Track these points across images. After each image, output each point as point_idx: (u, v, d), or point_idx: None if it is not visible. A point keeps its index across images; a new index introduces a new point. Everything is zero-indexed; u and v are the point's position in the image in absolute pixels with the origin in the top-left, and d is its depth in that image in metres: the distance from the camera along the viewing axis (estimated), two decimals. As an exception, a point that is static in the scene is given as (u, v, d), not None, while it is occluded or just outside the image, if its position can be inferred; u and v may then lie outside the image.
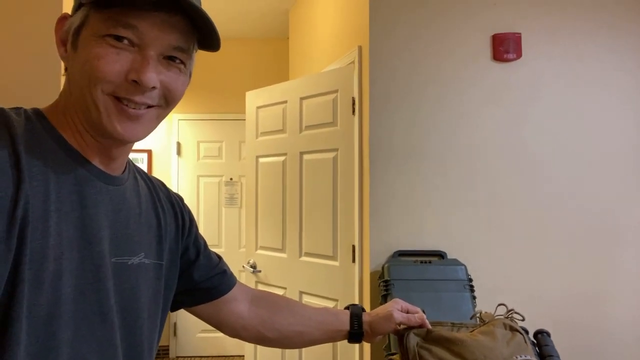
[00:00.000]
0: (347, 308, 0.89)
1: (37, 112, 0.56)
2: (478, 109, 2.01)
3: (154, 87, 0.55)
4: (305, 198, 2.28)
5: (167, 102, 0.58)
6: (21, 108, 0.56)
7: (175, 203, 0.73)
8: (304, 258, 2.28)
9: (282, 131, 2.42)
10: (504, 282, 1.98)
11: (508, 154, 2.01)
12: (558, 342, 2.00)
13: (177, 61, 0.57)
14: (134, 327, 0.60)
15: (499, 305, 0.92)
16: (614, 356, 2.00)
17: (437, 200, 2.00)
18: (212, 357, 3.61)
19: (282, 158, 2.41)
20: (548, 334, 0.96)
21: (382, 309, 0.90)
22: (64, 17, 0.56)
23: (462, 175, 2.00)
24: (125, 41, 0.53)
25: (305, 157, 2.29)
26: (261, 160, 2.53)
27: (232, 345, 3.57)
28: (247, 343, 2.56)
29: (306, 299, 2.26)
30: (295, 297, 2.31)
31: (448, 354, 0.79)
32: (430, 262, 1.91)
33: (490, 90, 2.01)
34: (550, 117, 2.03)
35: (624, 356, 2.00)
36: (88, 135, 0.56)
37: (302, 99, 2.28)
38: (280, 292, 2.39)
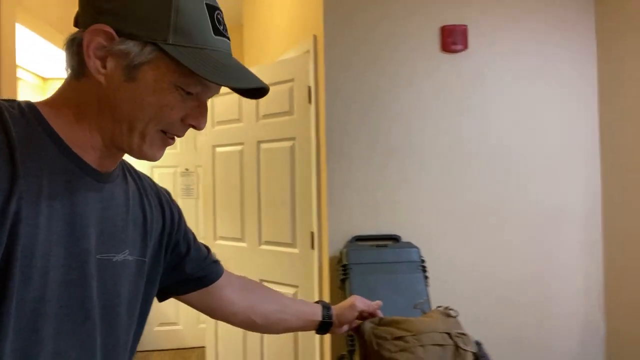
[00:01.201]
0: (316, 303, 0.96)
1: (30, 106, 0.55)
2: (429, 98, 2.10)
3: None
4: (263, 187, 2.30)
5: None
6: (15, 101, 0.55)
7: (163, 199, 0.74)
8: (263, 246, 2.30)
9: (238, 120, 2.40)
10: (454, 263, 2.10)
11: (458, 142, 2.11)
12: (503, 319, 2.16)
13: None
14: (113, 323, 0.61)
15: (437, 307, 1.10)
16: (552, 331, 2.18)
17: (392, 186, 2.07)
18: (172, 349, 3.57)
19: (239, 147, 2.40)
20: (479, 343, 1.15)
21: (345, 301, 1.00)
22: (104, 32, 0.53)
23: (415, 162, 2.08)
24: (193, 94, 0.58)
25: (263, 146, 2.30)
26: (218, 150, 2.51)
27: (191, 338, 3.55)
28: (207, 335, 2.58)
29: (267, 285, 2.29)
30: (256, 285, 2.33)
31: (396, 330, 0.97)
32: (386, 245, 1.99)
33: (440, 81, 2.10)
34: (497, 107, 2.15)
35: (561, 331, 2.19)
36: (101, 145, 0.58)
37: (258, 88, 2.27)
38: (240, 281, 2.41)
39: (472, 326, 2.08)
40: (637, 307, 2.08)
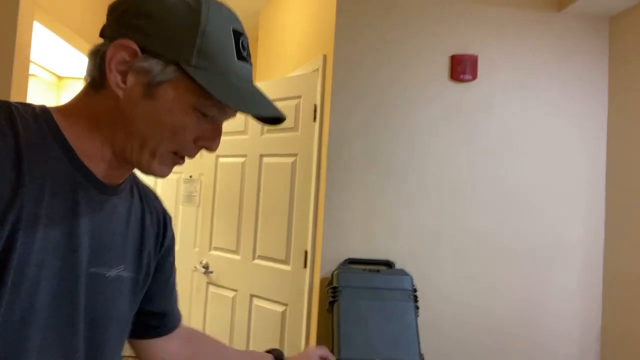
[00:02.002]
0: (269, 351, 0.90)
1: (45, 111, 0.55)
2: (434, 125, 2.08)
3: None
4: (262, 201, 2.29)
5: None
6: (30, 105, 0.55)
7: (167, 220, 0.73)
8: (257, 261, 2.28)
9: (243, 132, 2.41)
10: (446, 293, 2.06)
11: (460, 172, 2.09)
12: (495, 351, 2.10)
13: None
14: (101, 338, 0.60)
15: None
16: (546, 368, 2.11)
17: (390, 211, 2.05)
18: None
19: (242, 159, 2.40)
20: None
21: (301, 352, 0.96)
22: (129, 48, 0.54)
23: (414, 188, 2.06)
24: (209, 117, 0.58)
25: (265, 160, 2.30)
26: (221, 160, 2.52)
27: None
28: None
29: (257, 303, 2.26)
30: (246, 300, 2.30)
31: None
32: (378, 271, 1.96)
33: (446, 109, 2.09)
34: (500, 137, 2.13)
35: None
36: (111, 159, 0.58)
37: (265, 102, 2.28)
38: (231, 294, 2.38)
39: (459, 356, 2.04)
40: (634, 352, 2.01)
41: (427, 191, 2.07)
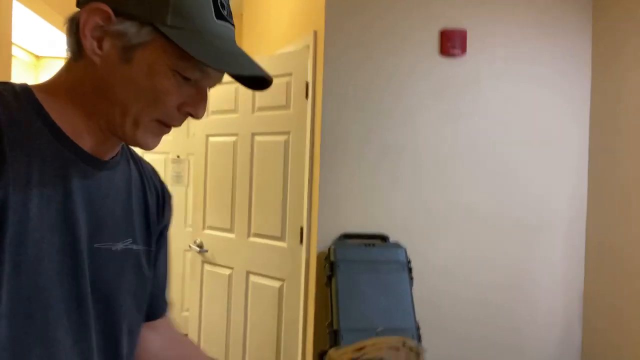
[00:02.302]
0: None
1: (25, 89, 0.54)
2: (425, 100, 2.11)
3: None
4: (255, 179, 2.30)
5: None
6: (9, 83, 0.53)
7: (161, 196, 0.71)
8: (252, 238, 2.31)
9: (234, 111, 2.40)
10: (438, 264, 2.13)
11: (451, 145, 2.13)
12: (483, 322, 2.20)
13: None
14: (115, 313, 0.59)
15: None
16: (529, 336, 2.22)
17: (383, 185, 2.09)
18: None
19: (233, 138, 2.40)
20: None
21: None
22: (101, 10, 0.52)
23: (407, 162, 2.10)
24: (191, 81, 0.55)
25: (257, 138, 2.30)
26: (211, 139, 2.50)
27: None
28: (190, 323, 2.57)
29: (253, 280, 2.30)
30: (242, 278, 2.34)
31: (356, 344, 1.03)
32: (373, 244, 2.01)
33: (437, 83, 2.11)
34: (491, 111, 2.17)
35: (538, 338, 2.23)
36: (96, 131, 0.56)
37: (255, 80, 2.26)
38: (226, 272, 2.41)
39: (453, 326, 2.13)
40: (615, 318, 2.13)
41: (419, 166, 2.11)
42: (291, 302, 2.15)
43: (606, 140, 2.20)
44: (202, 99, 0.56)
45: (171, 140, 3.42)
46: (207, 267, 2.53)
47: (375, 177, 2.08)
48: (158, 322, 0.75)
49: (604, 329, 2.18)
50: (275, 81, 2.21)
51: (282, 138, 2.21)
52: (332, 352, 1.09)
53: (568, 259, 2.26)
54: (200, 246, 2.52)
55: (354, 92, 2.05)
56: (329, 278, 1.92)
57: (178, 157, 3.40)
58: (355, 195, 2.07)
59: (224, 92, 2.40)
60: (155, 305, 0.73)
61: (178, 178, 3.36)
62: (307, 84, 2.11)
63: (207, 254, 2.50)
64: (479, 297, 2.16)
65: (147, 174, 0.69)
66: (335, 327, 1.81)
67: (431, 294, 2.09)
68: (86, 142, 0.56)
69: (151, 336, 0.73)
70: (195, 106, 0.56)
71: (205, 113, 2.46)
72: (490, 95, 2.17)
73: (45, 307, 0.50)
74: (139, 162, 0.69)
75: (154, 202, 0.69)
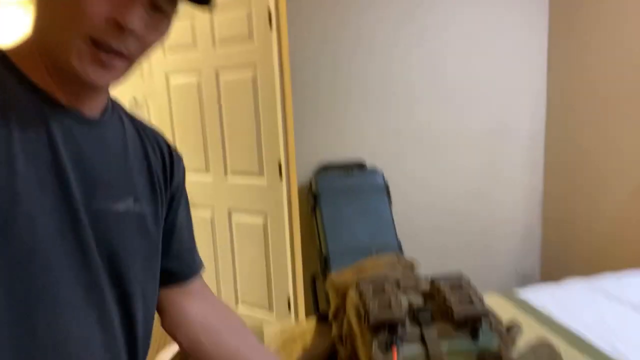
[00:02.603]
0: None
1: None
2: (391, 23, 2.07)
3: (133, 31, 0.50)
4: (225, 118, 2.24)
5: (141, 54, 0.54)
6: None
7: (168, 154, 0.68)
8: (230, 177, 2.31)
9: (193, 46, 2.26)
10: (414, 185, 2.24)
11: (420, 71, 2.15)
12: (454, 228, 2.38)
13: (163, 13, 0.52)
14: (123, 273, 0.58)
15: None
16: (495, 237, 2.44)
17: (356, 114, 2.11)
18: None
19: (196, 79, 2.29)
20: None
21: None
22: None
23: (378, 89, 2.11)
24: None
25: (222, 77, 2.20)
26: (173, 81, 2.38)
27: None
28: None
29: (236, 219, 2.34)
30: (225, 217, 2.37)
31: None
32: (352, 172, 2.07)
33: (402, 6, 2.06)
34: (451, 32, 2.17)
35: (503, 238, 2.46)
36: (58, 74, 0.52)
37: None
38: (208, 214, 2.43)
39: (428, 234, 2.30)
40: (571, 217, 2.37)
41: (388, 91, 2.13)
42: (277, 235, 2.22)
43: (565, 48, 2.27)
44: (130, 4, 0.49)
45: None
46: (186, 209, 2.53)
47: (347, 107, 2.09)
48: (192, 286, 0.73)
49: (561, 224, 2.43)
50: (233, 9, 2.08)
51: (248, 73, 2.13)
52: (333, 277, 1.15)
53: (529, 163, 2.43)
54: (177, 190, 2.50)
55: (319, 17, 1.97)
56: (313, 209, 1.99)
57: (135, 99, 3.22)
58: (329, 126, 2.08)
59: (179, 26, 2.24)
60: (183, 265, 0.71)
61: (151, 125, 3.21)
62: (269, 13, 2.00)
63: (185, 197, 2.49)
64: (450, 207, 2.32)
65: (148, 133, 0.67)
66: (324, 252, 1.91)
67: (407, 211, 2.22)
68: (63, 96, 0.53)
69: (189, 302, 0.71)
70: (121, 11, 0.48)
71: (162, 51, 2.31)
72: (452, 14, 2.15)
73: (45, 266, 0.49)
74: (136, 121, 0.66)
75: (159, 162, 0.66)
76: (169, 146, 0.70)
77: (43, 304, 0.48)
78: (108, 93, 0.61)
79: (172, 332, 0.71)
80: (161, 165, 0.67)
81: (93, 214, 0.54)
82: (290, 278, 2.21)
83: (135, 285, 0.60)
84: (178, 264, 0.70)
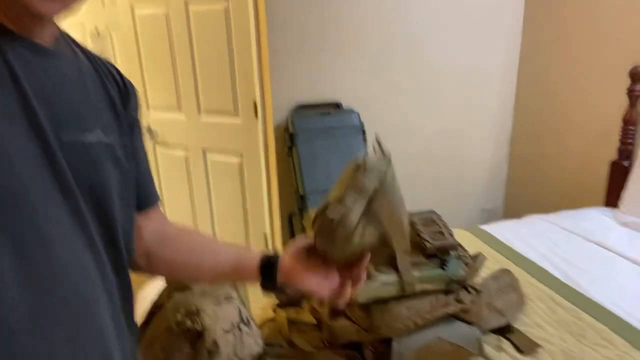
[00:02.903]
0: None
1: None
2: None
3: None
4: (197, 54, 2.16)
5: None
6: None
7: (122, 84, 0.67)
8: (203, 116, 2.26)
9: (158, -25, 2.11)
10: (389, 124, 2.27)
11: (395, 13, 2.10)
12: (428, 167, 2.45)
13: None
14: (102, 203, 0.58)
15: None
16: (465, 174, 2.54)
17: (331, 55, 2.07)
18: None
19: (163, 9, 2.16)
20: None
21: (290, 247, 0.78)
22: None
23: (355, 28, 2.06)
24: None
25: (192, 7, 2.08)
26: (138, 11, 2.24)
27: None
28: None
29: (211, 158, 2.32)
30: (199, 157, 2.35)
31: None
32: (328, 112, 2.07)
33: None
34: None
35: (471, 174, 2.56)
36: (6, 4, 0.50)
37: None
38: (182, 153, 2.40)
39: (400, 173, 2.37)
40: (536, 157, 2.48)
41: (366, 31, 2.08)
42: (253, 175, 2.24)
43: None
44: None
45: (83, 9, 3.00)
46: (159, 149, 2.49)
47: (323, 45, 2.04)
48: (150, 212, 0.74)
49: (526, 164, 2.54)
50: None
51: (220, 6, 2.02)
52: (311, 214, 1.18)
53: (500, 105, 2.49)
54: (149, 129, 2.44)
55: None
56: (290, 148, 2.00)
57: (97, 29, 3.02)
58: (305, 65, 2.04)
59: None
60: (144, 195, 0.73)
61: (102, 55, 3.04)
62: (242, -61, 1.88)
63: (157, 137, 2.44)
64: (422, 147, 2.38)
65: (100, 63, 0.65)
66: (301, 192, 1.95)
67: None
68: (14, 27, 0.51)
69: (147, 223, 0.72)
70: None
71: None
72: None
73: (29, 200, 0.49)
74: (88, 53, 0.64)
75: (116, 92, 0.65)
76: (121, 75, 0.69)
77: (34, 235, 0.49)
78: (57, 24, 0.58)
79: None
80: (119, 95, 0.66)
81: (65, 147, 0.53)
82: (267, 216, 2.26)
83: (115, 213, 0.61)
84: (141, 194, 0.71)
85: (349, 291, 0.68)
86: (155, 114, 2.41)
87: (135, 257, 0.72)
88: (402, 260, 1.00)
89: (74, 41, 0.63)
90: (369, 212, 0.64)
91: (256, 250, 0.75)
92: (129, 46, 2.33)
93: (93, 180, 0.57)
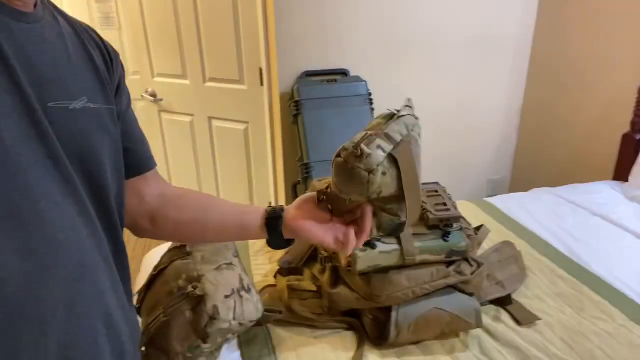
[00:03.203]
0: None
1: None
2: None
3: None
4: (202, 20, 2.11)
5: None
6: None
7: (105, 50, 0.67)
8: (208, 83, 2.24)
9: None
10: (397, 94, 2.22)
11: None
12: (438, 137, 2.42)
13: None
14: (92, 168, 0.58)
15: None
16: (474, 144, 2.50)
17: (340, 19, 2.01)
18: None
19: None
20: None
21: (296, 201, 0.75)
22: None
23: (365, -10, 1.99)
24: None
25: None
26: (142, -28, 2.18)
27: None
28: (158, 170, 2.60)
29: (216, 124, 2.31)
30: (205, 124, 2.34)
31: None
32: (335, 80, 2.03)
33: None
34: None
35: (481, 144, 2.52)
36: None
37: None
38: (187, 119, 2.39)
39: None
40: (546, 129, 2.43)
41: (376, -8, 2.02)
42: (258, 142, 2.23)
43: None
44: None
45: (87, -27, 2.93)
46: (164, 115, 2.48)
47: (330, 11, 1.98)
48: (148, 175, 0.74)
49: (536, 136, 2.50)
50: None
51: (226, -33, 1.96)
52: (315, 183, 1.19)
53: (513, 72, 2.42)
54: (154, 95, 2.42)
55: None
56: (295, 117, 1.98)
57: (100, -6, 2.96)
58: (312, 32, 1.99)
59: None
60: (142, 159, 0.73)
61: (107, 20, 2.99)
62: None
63: (163, 103, 2.43)
64: (431, 116, 2.34)
65: (82, 29, 0.64)
66: (305, 160, 1.94)
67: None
68: None
69: (147, 185, 0.73)
70: None
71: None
72: None
73: (19, 166, 0.48)
74: (69, 18, 0.63)
75: (100, 59, 0.65)
76: (102, 40, 0.68)
77: (25, 200, 0.49)
78: None
79: (133, 218, 0.73)
80: (103, 61, 0.65)
81: (50, 114, 0.53)
82: (272, 184, 2.27)
83: (105, 179, 0.61)
84: (133, 157, 0.71)
85: (354, 241, 0.67)
86: (160, 81, 2.39)
87: (140, 221, 0.73)
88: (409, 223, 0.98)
89: (54, 7, 0.61)
90: (393, 157, 0.63)
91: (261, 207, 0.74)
92: (134, 8, 2.29)
93: (81, 147, 0.57)
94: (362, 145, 0.62)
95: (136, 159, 0.71)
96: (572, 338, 1.07)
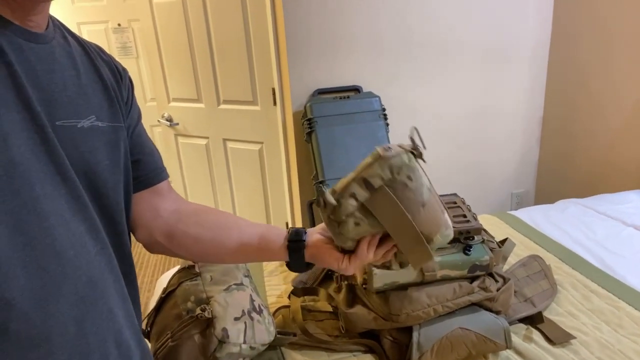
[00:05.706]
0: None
1: None
2: None
3: None
4: (215, 43, 2.14)
5: None
6: None
7: (116, 69, 0.67)
8: (222, 106, 2.25)
9: (174, -37, 2.10)
10: (412, 108, 2.19)
11: (418, -20, 2.01)
12: (453, 151, 2.36)
13: None
14: (100, 186, 0.58)
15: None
16: (493, 164, 2.43)
17: (352, 36, 2.00)
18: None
19: (180, -3, 2.15)
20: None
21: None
22: None
23: (375, 11, 1.99)
24: None
25: (208, -5, 2.06)
26: (156, 0, 2.23)
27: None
28: (173, 177, 2.63)
29: (231, 146, 2.32)
30: (220, 145, 2.34)
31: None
32: (348, 97, 2.01)
33: None
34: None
35: (500, 164, 2.45)
36: None
37: None
38: (203, 142, 2.40)
39: (426, 158, 2.30)
40: (568, 141, 2.35)
41: (386, 14, 2.01)
42: (273, 161, 2.21)
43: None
44: None
45: (105, 5, 3.04)
46: (181, 139, 2.50)
47: (343, 28, 1.98)
48: (161, 187, 0.72)
49: (559, 147, 2.41)
50: None
51: (236, -9, 1.99)
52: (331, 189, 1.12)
53: (530, 85, 2.36)
54: (170, 120, 2.45)
55: None
56: (309, 135, 1.96)
57: (119, 25, 3.06)
58: (325, 49, 1.99)
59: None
60: (154, 171, 0.72)
61: (125, 50, 3.08)
62: None
63: (179, 127, 2.45)
64: (449, 130, 2.29)
65: (92, 49, 0.65)
66: (320, 178, 1.91)
67: (405, 135, 2.20)
68: (9, 14, 0.51)
69: (161, 199, 0.71)
70: None
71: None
72: None
73: (27, 182, 0.48)
74: (79, 39, 0.64)
75: (110, 75, 0.65)
76: (113, 60, 0.68)
77: (33, 217, 0.49)
78: (48, 11, 0.57)
79: (149, 233, 0.71)
80: (112, 76, 0.66)
81: (59, 131, 0.53)
82: (288, 203, 2.24)
83: (114, 196, 0.61)
84: (144, 169, 0.71)
85: (346, 265, 0.67)
86: (175, 105, 2.42)
87: (155, 236, 0.72)
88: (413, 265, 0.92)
89: (65, 27, 0.62)
90: (369, 205, 0.61)
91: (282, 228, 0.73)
92: (149, 37, 2.34)
93: (90, 165, 0.57)
94: (327, 196, 0.61)
95: (147, 170, 0.71)
96: (612, 357, 0.98)
